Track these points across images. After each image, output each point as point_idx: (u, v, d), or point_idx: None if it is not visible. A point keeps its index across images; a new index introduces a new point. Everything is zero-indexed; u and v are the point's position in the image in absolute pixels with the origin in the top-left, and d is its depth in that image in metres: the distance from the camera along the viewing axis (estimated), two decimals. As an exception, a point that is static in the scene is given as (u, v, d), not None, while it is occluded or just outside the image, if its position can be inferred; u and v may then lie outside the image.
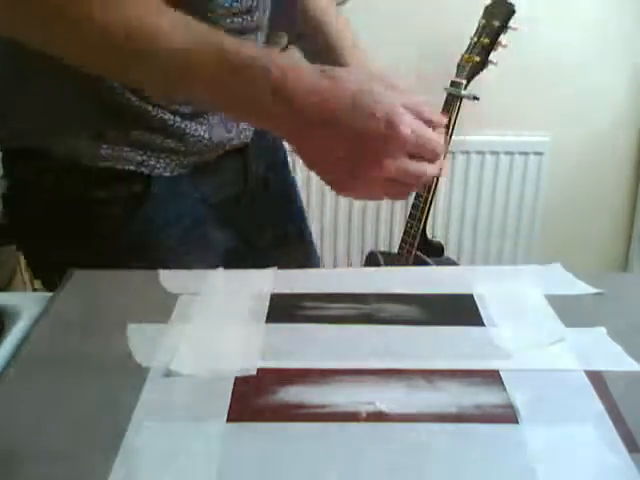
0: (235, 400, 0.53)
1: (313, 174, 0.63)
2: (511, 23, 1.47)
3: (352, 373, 0.56)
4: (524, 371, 0.56)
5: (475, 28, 1.50)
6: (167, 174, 0.79)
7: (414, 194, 1.51)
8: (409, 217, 1.52)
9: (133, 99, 0.74)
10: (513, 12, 1.47)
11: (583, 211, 1.81)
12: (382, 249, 1.83)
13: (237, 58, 0.59)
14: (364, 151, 0.59)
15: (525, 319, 0.64)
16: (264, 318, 0.64)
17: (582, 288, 0.69)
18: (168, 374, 0.56)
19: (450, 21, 1.63)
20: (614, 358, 0.58)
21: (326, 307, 0.66)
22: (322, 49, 0.93)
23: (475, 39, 1.50)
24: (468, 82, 1.50)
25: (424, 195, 1.49)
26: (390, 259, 1.65)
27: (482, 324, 0.63)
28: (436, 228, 1.74)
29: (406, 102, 0.59)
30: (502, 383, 0.55)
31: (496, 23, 1.48)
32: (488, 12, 1.50)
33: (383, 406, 0.52)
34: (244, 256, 0.89)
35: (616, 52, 1.66)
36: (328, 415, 0.51)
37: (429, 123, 0.61)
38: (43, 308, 0.66)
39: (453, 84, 1.50)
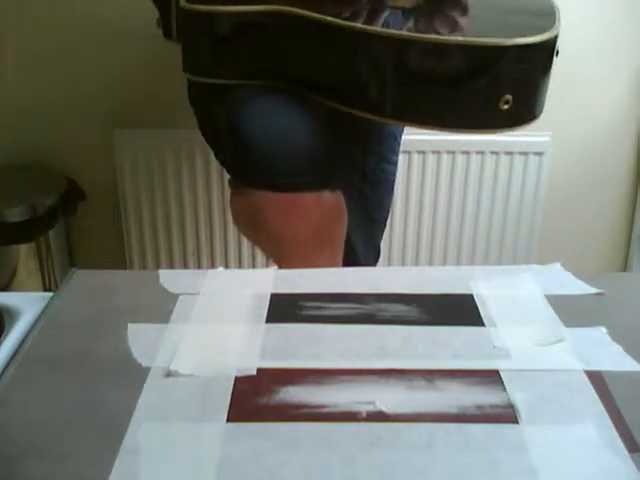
0: (235, 400, 0.53)
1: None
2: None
3: (352, 373, 0.56)
4: (524, 371, 0.56)
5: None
6: None
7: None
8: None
9: None
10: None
11: (583, 211, 1.81)
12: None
13: None
14: None
15: (525, 319, 0.64)
16: (264, 318, 0.64)
17: (582, 288, 0.69)
18: (168, 374, 0.56)
19: None
20: (614, 358, 0.58)
21: (326, 307, 0.66)
22: None
23: None
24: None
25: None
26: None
27: (482, 324, 0.63)
28: (436, 228, 1.74)
29: None
30: (502, 383, 0.55)
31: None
32: None
33: (383, 406, 0.52)
34: None
35: (616, 52, 1.66)
36: (328, 415, 0.51)
37: None
38: (43, 308, 0.66)
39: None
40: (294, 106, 0.95)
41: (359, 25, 0.86)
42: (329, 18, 0.87)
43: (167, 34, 1.02)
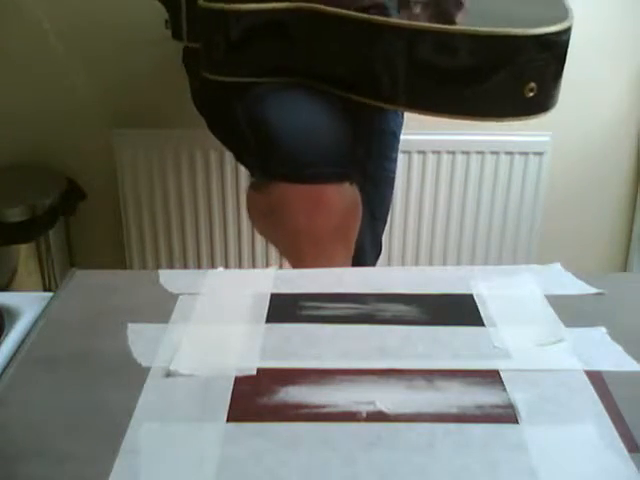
0: (235, 400, 0.53)
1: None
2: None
3: (352, 373, 0.56)
4: (524, 371, 0.56)
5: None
6: None
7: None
8: None
9: None
10: None
11: (583, 211, 1.81)
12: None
13: None
14: None
15: (525, 319, 0.64)
16: (264, 318, 0.64)
17: (582, 288, 0.69)
18: (168, 374, 0.56)
19: None
20: (614, 358, 0.58)
21: (326, 307, 0.66)
22: None
23: None
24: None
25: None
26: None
27: (482, 324, 0.63)
28: (436, 228, 1.74)
29: None
30: (502, 383, 0.55)
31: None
32: None
33: (383, 406, 0.52)
34: None
35: (617, 52, 1.66)
36: (328, 415, 0.51)
37: None
38: (43, 308, 0.66)
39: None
40: (313, 99, 0.96)
41: (381, 18, 0.87)
42: (352, 12, 0.87)
43: (176, 35, 1.02)
